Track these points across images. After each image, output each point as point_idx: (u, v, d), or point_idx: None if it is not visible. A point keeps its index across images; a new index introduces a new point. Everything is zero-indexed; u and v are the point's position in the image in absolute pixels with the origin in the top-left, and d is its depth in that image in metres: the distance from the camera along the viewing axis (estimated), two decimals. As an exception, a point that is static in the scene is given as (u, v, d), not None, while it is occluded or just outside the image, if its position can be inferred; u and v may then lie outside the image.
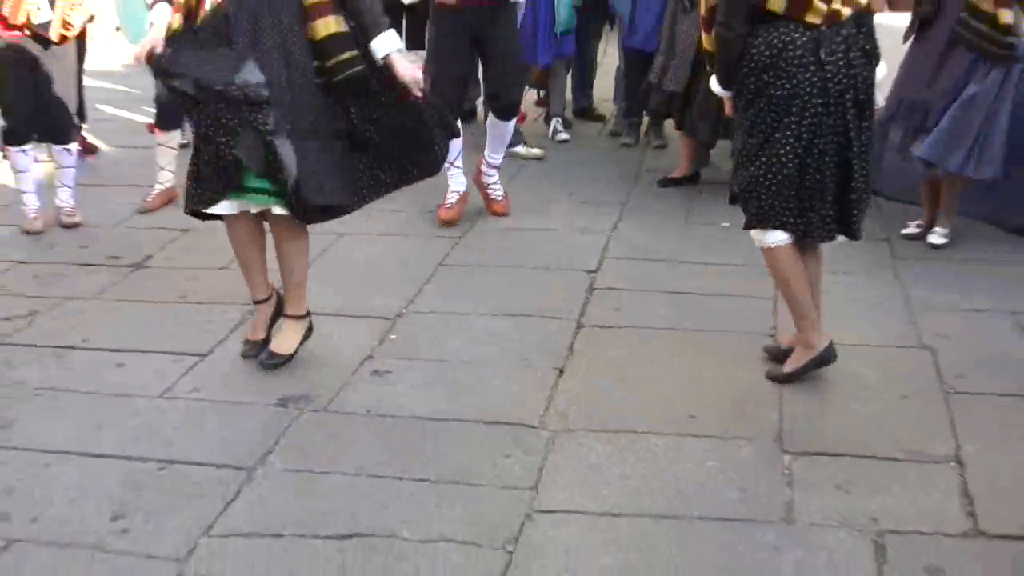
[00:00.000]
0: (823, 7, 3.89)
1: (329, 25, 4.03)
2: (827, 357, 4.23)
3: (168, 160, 6.55)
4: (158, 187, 6.54)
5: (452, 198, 6.21)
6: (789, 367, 4.25)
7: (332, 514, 3.40)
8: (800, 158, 3.98)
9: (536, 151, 7.73)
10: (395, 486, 3.56)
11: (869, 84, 4.01)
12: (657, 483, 3.57)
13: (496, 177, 6.46)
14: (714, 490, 3.53)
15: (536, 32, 7.58)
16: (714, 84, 4.16)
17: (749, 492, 3.51)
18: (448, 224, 6.11)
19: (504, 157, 6.50)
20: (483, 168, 6.42)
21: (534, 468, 3.67)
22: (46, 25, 5.74)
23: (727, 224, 5.98)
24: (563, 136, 8.19)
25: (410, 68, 4.12)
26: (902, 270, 5.48)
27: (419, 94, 4.14)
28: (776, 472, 3.64)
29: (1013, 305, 4.99)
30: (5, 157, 6.14)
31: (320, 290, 4.97)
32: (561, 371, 4.39)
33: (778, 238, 4.12)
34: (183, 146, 6.88)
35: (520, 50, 6.36)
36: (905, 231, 5.98)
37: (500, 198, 6.42)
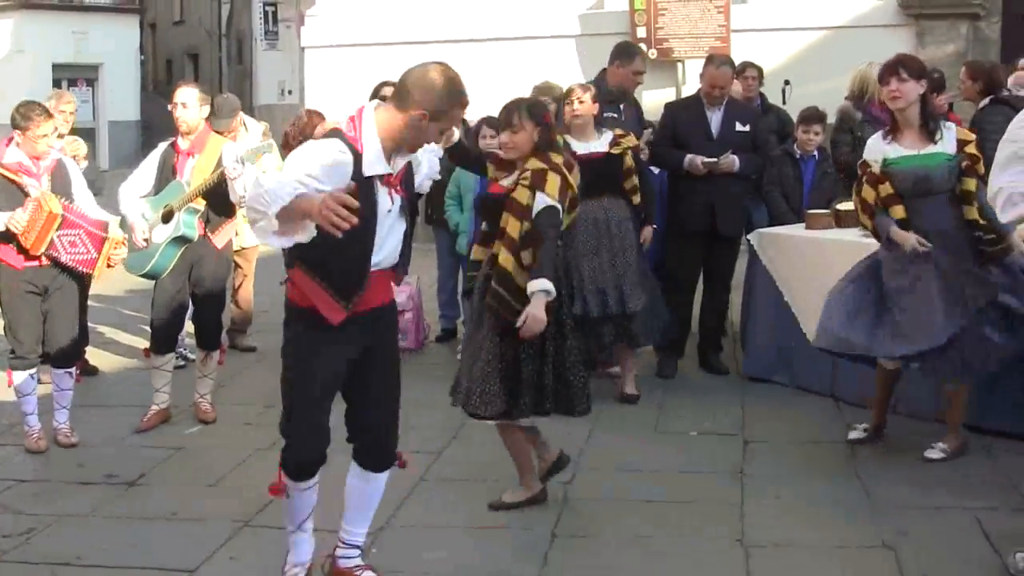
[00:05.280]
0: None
1: None
2: (540, 499, 5.28)
3: (163, 382, 6.75)
4: (154, 408, 6.76)
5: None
6: (507, 497, 5.26)
7: None
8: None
9: None
10: None
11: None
12: None
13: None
14: None
15: None
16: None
17: None
18: None
19: None
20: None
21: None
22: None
23: (694, 433, 6.28)
24: None
25: None
26: (862, 470, 5.69)
27: None
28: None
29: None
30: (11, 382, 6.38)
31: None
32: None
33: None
34: (178, 368, 7.18)
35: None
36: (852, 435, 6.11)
37: None
